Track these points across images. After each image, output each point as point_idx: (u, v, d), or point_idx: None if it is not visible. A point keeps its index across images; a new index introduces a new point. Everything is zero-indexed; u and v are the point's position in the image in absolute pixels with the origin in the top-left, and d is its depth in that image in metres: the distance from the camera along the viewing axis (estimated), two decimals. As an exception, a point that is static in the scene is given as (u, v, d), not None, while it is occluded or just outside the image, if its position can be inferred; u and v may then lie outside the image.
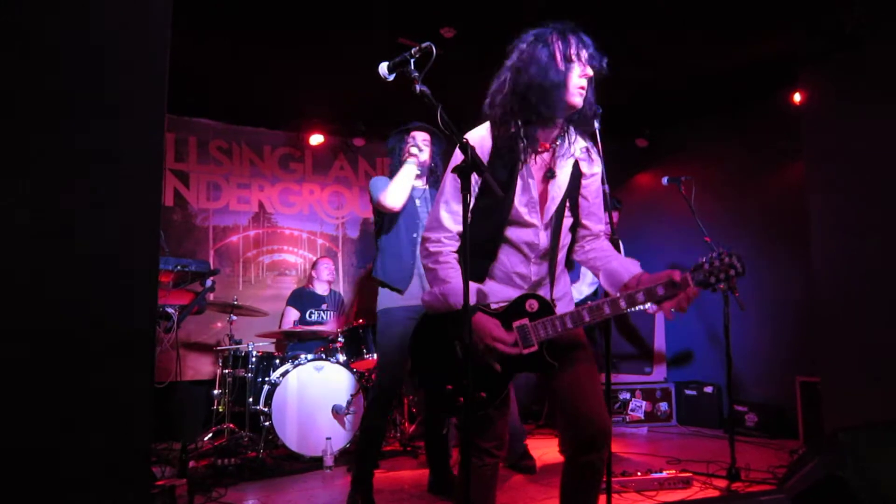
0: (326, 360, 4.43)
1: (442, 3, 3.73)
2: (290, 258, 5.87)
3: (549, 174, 1.92)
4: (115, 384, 1.36)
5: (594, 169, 2.02)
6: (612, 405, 4.43)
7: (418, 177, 3.37)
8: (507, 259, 1.93)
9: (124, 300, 1.39)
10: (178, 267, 3.50)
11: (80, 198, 1.37)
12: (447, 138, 1.78)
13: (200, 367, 5.28)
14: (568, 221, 1.97)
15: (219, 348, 4.84)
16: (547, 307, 1.86)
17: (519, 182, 1.88)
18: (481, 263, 1.92)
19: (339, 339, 4.64)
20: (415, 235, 3.27)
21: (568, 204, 1.95)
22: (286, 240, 5.87)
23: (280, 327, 5.09)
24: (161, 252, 3.48)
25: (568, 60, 1.85)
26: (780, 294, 4.97)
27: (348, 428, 4.34)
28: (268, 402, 4.26)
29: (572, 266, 2.14)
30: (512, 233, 1.91)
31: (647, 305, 4.50)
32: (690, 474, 3.47)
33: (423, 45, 1.74)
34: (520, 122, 1.85)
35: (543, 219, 1.92)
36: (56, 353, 1.31)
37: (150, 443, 1.47)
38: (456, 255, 1.93)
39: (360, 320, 4.85)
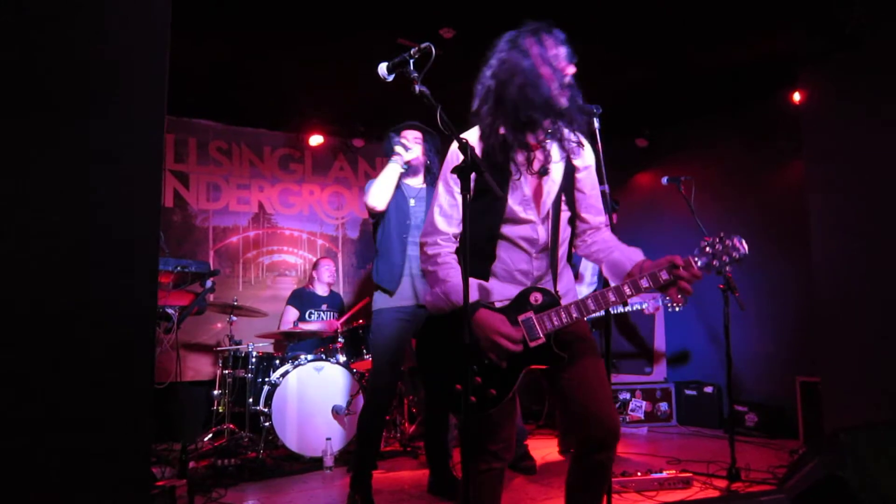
0: (326, 360, 4.43)
1: (441, 4, 3.73)
2: (289, 259, 5.87)
3: (542, 171, 1.93)
4: (115, 385, 1.36)
5: (587, 162, 2.03)
6: (612, 405, 4.43)
7: (412, 175, 3.36)
8: (507, 257, 1.94)
9: (124, 301, 1.39)
10: (178, 268, 3.50)
11: (80, 198, 1.37)
12: (443, 136, 1.78)
13: (200, 368, 5.28)
14: (566, 215, 1.98)
15: (219, 349, 4.84)
16: (552, 299, 1.87)
17: (511, 182, 1.90)
18: (482, 264, 1.93)
19: (339, 339, 4.64)
20: (405, 237, 3.26)
21: (564, 198, 1.96)
22: (286, 240, 5.87)
23: (280, 327, 5.09)
24: (161, 253, 3.48)
25: (548, 63, 1.87)
26: (780, 294, 4.98)
27: (348, 428, 4.34)
28: (268, 403, 4.26)
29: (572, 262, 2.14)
30: (509, 230, 1.92)
31: (646, 305, 4.53)
32: (690, 474, 3.47)
33: (423, 45, 1.74)
34: (508, 128, 1.88)
35: (540, 213, 1.93)
36: (56, 354, 1.31)
37: (150, 443, 1.47)
38: (455, 256, 1.94)
39: (360, 321, 4.85)
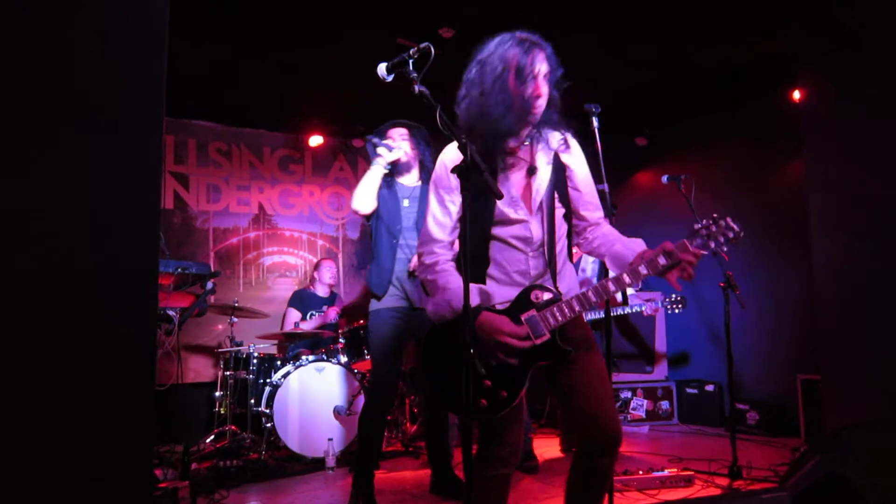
0: (327, 361, 4.43)
1: (440, 4, 3.73)
2: (290, 260, 5.87)
3: (531, 170, 1.94)
4: (117, 387, 1.37)
5: (576, 160, 2.02)
6: (613, 404, 4.43)
7: (405, 173, 3.34)
8: (503, 259, 1.94)
9: (125, 303, 1.39)
10: (179, 269, 3.50)
11: (79, 200, 1.37)
12: (440, 137, 1.78)
13: (202, 370, 5.28)
14: (560, 211, 1.98)
15: (220, 350, 4.84)
16: (553, 295, 1.87)
17: (498, 184, 1.90)
18: (477, 268, 1.94)
19: (340, 340, 4.64)
20: (395, 241, 3.25)
21: (557, 196, 1.96)
22: (286, 241, 5.87)
23: (281, 329, 5.10)
24: (161, 255, 3.48)
25: (525, 79, 1.85)
26: (781, 292, 4.98)
27: (350, 429, 4.34)
28: (269, 404, 4.26)
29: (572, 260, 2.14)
30: (501, 231, 1.92)
31: (645, 307, 4.53)
32: (692, 473, 3.47)
33: (422, 45, 1.73)
34: (488, 133, 1.89)
35: (531, 211, 1.93)
36: (57, 356, 1.32)
37: (152, 445, 1.47)
38: (453, 263, 1.95)
39: (361, 321, 4.85)
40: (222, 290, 5.31)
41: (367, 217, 3.34)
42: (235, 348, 4.62)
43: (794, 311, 4.86)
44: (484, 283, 1.95)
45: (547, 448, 4.47)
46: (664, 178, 3.98)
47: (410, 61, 1.75)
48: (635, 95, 5.25)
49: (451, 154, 1.95)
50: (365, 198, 3.24)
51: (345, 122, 5.68)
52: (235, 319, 4.74)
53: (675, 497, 3.22)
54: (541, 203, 1.93)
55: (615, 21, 3.98)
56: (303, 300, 5.20)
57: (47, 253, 1.33)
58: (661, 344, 5.39)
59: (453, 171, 1.72)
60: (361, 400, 4.35)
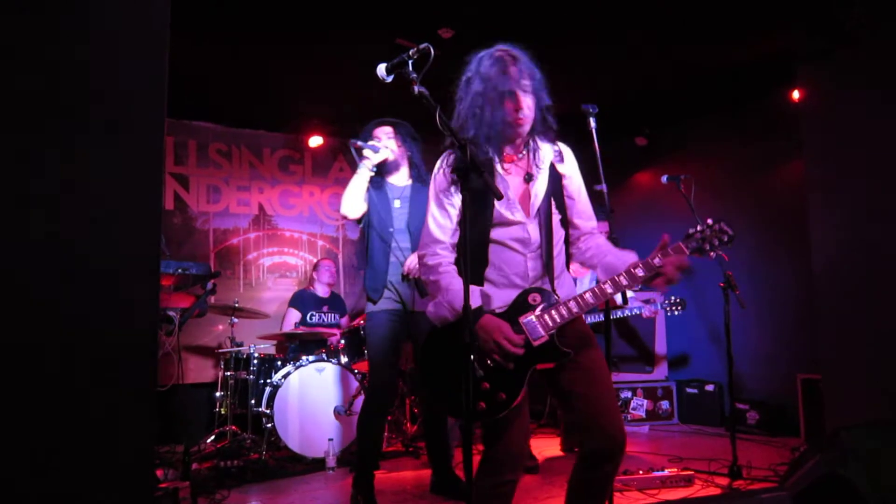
0: (328, 361, 4.43)
1: (440, 4, 3.73)
2: (290, 260, 5.87)
3: (528, 177, 1.97)
4: (118, 387, 1.37)
5: (570, 169, 2.06)
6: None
7: (394, 171, 3.31)
8: (501, 261, 1.95)
9: (126, 303, 1.39)
10: (179, 270, 3.52)
11: (80, 201, 1.37)
12: (436, 138, 1.79)
13: (202, 370, 5.29)
14: (557, 217, 2.00)
15: (220, 351, 4.84)
16: (550, 297, 1.88)
17: (492, 182, 1.91)
18: (477, 270, 1.94)
19: (341, 340, 4.65)
20: (388, 244, 3.22)
21: (554, 202, 1.99)
22: (286, 242, 5.88)
23: (282, 329, 5.10)
24: (161, 255, 3.49)
25: (506, 94, 1.88)
26: (781, 291, 4.98)
27: (350, 429, 4.34)
28: (270, 404, 4.27)
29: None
30: (500, 233, 1.94)
31: (644, 309, 4.53)
32: (692, 472, 3.47)
33: (422, 46, 1.74)
34: (483, 146, 1.93)
35: (529, 214, 1.95)
36: (58, 356, 1.32)
37: (153, 445, 1.47)
38: (454, 266, 1.96)
39: (361, 321, 4.85)
40: (222, 291, 5.31)
41: (358, 220, 3.31)
42: (236, 349, 4.63)
43: (794, 311, 4.86)
44: (481, 283, 1.96)
45: (547, 448, 4.48)
46: (664, 178, 3.98)
47: (410, 62, 1.75)
48: (635, 95, 5.25)
49: (448, 160, 1.99)
50: (353, 202, 3.21)
51: (344, 122, 5.68)
52: (236, 320, 4.74)
53: (675, 497, 3.22)
54: (538, 208, 1.95)
55: (615, 21, 3.98)
56: (303, 300, 5.20)
57: (48, 253, 1.33)
58: (660, 345, 5.39)
59: (453, 171, 1.73)
60: (361, 400, 4.35)
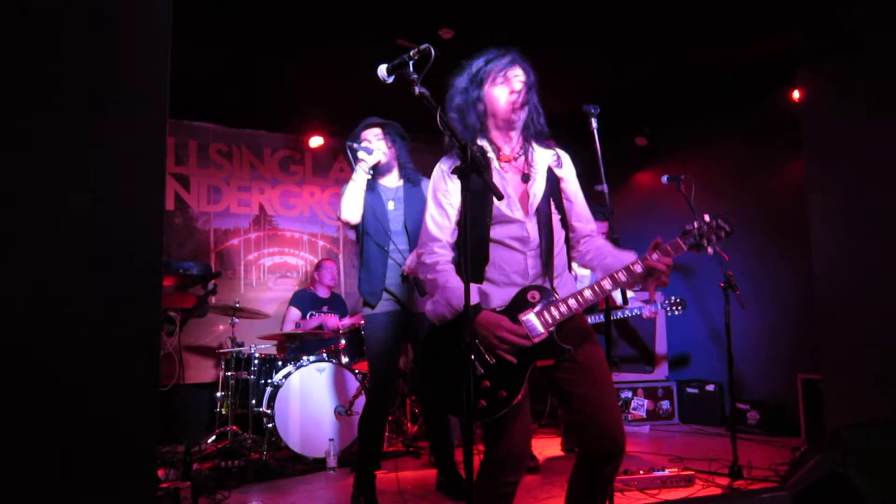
0: (328, 361, 4.44)
1: (440, 5, 3.74)
2: (291, 260, 5.88)
3: (525, 178, 2.00)
4: (120, 387, 1.37)
5: (567, 172, 2.10)
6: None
7: (386, 174, 3.29)
8: (502, 261, 1.96)
9: (128, 303, 1.40)
10: (180, 270, 3.51)
11: (82, 200, 1.38)
12: (439, 131, 1.81)
13: (203, 370, 5.29)
14: (556, 217, 2.02)
15: (221, 351, 4.85)
16: (548, 295, 1.88)
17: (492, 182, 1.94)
18: (477, 269, 1.95)
19: (341, 340, 4.65)
20: (386, 248, 3.20)
21: (553, 203, 2.01)
22: (287, 242, 5.88)
23: (282, 328, 5.10)
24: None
25: (498, 83, 1.98)
26: (781, 292, 4.98)
27: (351, 429, 4.34)
28: (270, 404, 4.27)
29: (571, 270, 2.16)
30: (499, 232, 1.95)
31: (644, 310, 4.54)
32: (693, 472, 3.48)
33: (422, 46, 1.74)
34: (483, 138, 2.00)
35: (528, 213, 1.96)
36: (60, 357, 1.32)
37: (154, 445, 1.47)
38: (452, 265, 1.97)
39: (362, 321, 4.86)
40: (223, 291, 5.32)
41: (354, 226, 3.28)
42: (236, 349, 4.63)
43: (794, 311, 4.86)
44: (481, 281, 1.97)
45: (547, 448, 4.48)
46: (664, 179, 3.98)
47: (411, 63, 1.75)
48: (635, 95, 5.25)
49: (448, 162, 2.02)
50: (353, 207, 3.18)
51: (345, 122, 5.67)
52: (236, 320, 4.75)
53: (675, 497, 3.22)
54: (537, 207, 1.97)
55: (615, 21, 3.98)
56: (304, 300, 5.21)
57: (50, 254, 1.33)
58: (661, 345, 5.39)
59: (454, 171, 1.74)
60: (362, 400, 4.35)
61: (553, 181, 2.03)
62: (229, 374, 4.56)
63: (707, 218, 1.85)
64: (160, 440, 4.33)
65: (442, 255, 1.97)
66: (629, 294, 4.81)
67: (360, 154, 3.20)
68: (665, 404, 5.27)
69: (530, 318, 1.85)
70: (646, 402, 5.26)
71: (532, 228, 1.95)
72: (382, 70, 1.79)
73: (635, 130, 5.91)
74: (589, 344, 1.95)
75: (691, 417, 5.26)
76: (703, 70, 4.79)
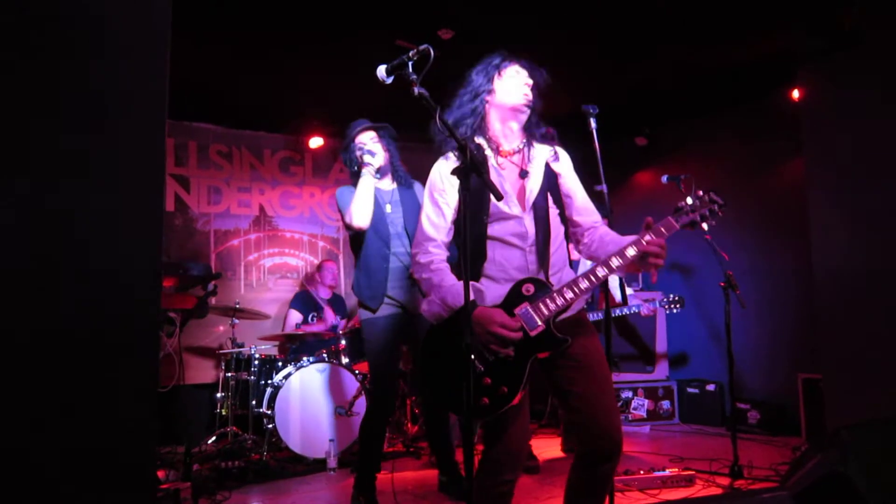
0: (328, 362, 4.44)
1: (440, 5, 3.74)
2: (291, 261, 5.88)
3: (523, 174, 2.01)
4: (119, 388, 1.37)
5: (565, 168, 2.11)
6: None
7: (382, 177, 3.27)
8: (502, 258, 1.96)
9: (127, 304, 1.39)
10: (180, 271, 3.51)
11: (82, 201, 1.38)
12: (438, 133, 1.82)
13: (203, 371, 5.29)
14: (554, 211, 2.02)
15: (221, 352, 4.85)
16: (543, 287, 1.88)
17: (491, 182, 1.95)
18: (474, 265, 1.96)
19: (342, 341, 4.65)
20: (387, 250, 3.18)
21: (551, 198, 2.02)
22: (287, 243, 5.88)
23: (283, 330, 5.10)
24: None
25: (512, 75, 2.03)
26: (781, 291, 4.98)
27: (351, 429, 4.34)
28: (271, 405, 4.27)
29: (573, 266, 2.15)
30: (497, 229, 1.96)
31: (642, 307, 4.54)
32: (693, 472, 3.47)
33: (421, 47, 1.74)
34: (481, 135, 2.03)
35: (525, 208, 1.97)
36: (60, 357, 1.32)
37: (154, 446, 1.47)
38: (447, 264, 1.99)
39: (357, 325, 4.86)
40: (223, 292, 5.32)
41: (363, 230, 3.20)
42: (237, 350, 4.63)
43: (795, 311, 4.86)
44: (478, 278, 1.98)
45: (548, 448, 4.48)
46: (664, 178, 3.98)
47: (410, 63, 1.75)
48: (635, 95, 5.25)
49: (445, 163, 2.04)
50: (365, 211, 3.11)
51: (345, 123, 5.66)
52: (236, 321, 4.75)
53: (676, 497, 3.22)
54: (534, 202, 1.98)
55: (615, 21, 3.98)
56: (305, 302, 5.21)
57: (50, 254, 1.33)
58: (661, 344, 5.39)
59: (453, 172, 1.74)
60: (362, 401, 4.35)
61: (550, 176, 2.04)
62: (229, 374, 4.56)
63: (700, 192, 1.85)
64: (160, 441, 4.33)
65: (437, 254, 1.98)
66: (629, 291, 4.81)
67: (366, 158, 3.16)
68: (665, 404, 5.27)
69: (527, 310, 1.85)
70: (646, 401, 5.26)
71: (529, 224, 1.96)
72: (382, 71, 1.79)
73: (635, 130, 5.91)
74: (588, 339, 1.95)
75: (692, 417, 5.26)
76: (703, 70, 4.79)
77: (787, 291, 4.93)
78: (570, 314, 1.96)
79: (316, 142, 5.86)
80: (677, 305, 4.48)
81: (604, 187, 2.39)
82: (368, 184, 3.15)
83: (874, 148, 3.40)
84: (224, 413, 4.55)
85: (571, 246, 2.14)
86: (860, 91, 3.46)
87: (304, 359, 4.45)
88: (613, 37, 4.23)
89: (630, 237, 1.93)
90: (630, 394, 5.27)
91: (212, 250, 5.53)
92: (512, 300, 1.88)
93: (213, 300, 4.81)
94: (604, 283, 2.01)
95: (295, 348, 4.93)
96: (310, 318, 5.13)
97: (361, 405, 4.36)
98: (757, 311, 4.92)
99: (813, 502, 1.74)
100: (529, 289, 1.87)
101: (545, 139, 2.08)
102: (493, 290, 1.94)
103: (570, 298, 1.84)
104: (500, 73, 2.02)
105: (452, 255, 2.05)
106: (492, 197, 1.90)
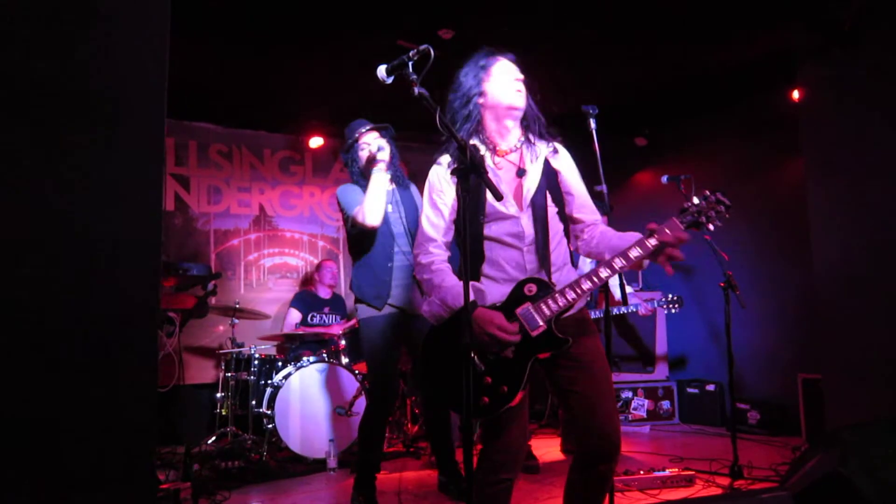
0: (328, 362, 4.44)
1: (440, 5, 3.73)
2: (291, 261, 5.88)
3: (520, 172, 2.00)
4: (119, 388, 1.37)
5: (565, 165, 2.09)
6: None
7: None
8: (500, 258, 1.96)
9: (126, 304, 1.39)
10: (180, 271, 3.51)
11: (82, 201, 1.38)
12: (438, 132, 1.82)
13: (203, 371, 5.29)
14: (553, 210, 2.01)
15: (221, 352, 4.84)
16: (545, 287, 1.87)
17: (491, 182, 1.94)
18: (473, 265, 1.96)
19: (341, 340, 4.65)
20: (391, 250, 3.16)
21: (549, 196, 2.00)
22: (287, 242, 5.88)
23: (283, 330, 5.10)
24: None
25: (500, 73, 2.01)
26: (781, 291, 4.98)
27: (351, 429, 4.34)
28: (270, 405, 4.27)
29: (575, 265, 2.15)
30: (494, 229, 1.96)
31: (640, 307, 4.53)
32: (693, 472, 3.47)
33: (422, 47, 1.74)
34: (477, 136, 2.02)
35: (522, 208, 1.96)
36: (60, 357, 1.32)
37: (154, 447, 1.47)
38: (448, 264, 1.99)
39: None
40: (223, 292, 5.32)
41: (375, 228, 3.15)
42: (236, 349, 4.63)
43: (795, 311, 4.86)
44: (478, 278, 1.98)
45: (547, 448, 4.48)
46: (664, 179, 3.98)
47: (410, 63, 1.75)
48: (635, 95, 5.25)
49: (442, 162, 2.03)
50: (378, 208, 3.04)
51: (345, 123, 5.66)
52: (236, 321, 4.74)
53: (676, 497, 3.22)
54: (531, 201, 1.97)
55: (615, 20, 3.98)
56: (305, 301, 5.20)
57: (49, 254, 1.33)
58: (661, 344, 5.39)
59: (453, 172, 1.74)
60: (362, 401, 4.35)
61: (549, 174, 2.03)
62: (229, 374, 4.56)
63: (706, 192, 1.84)
64: (160, 441, 4.33)
65: (437, 254, 1.98)
66: (628, 290, 4.81)
67: (380, 154, 3.11)
68: (665, 404, 5.27)
69: (528, 310, 1.85)
70: (646, 402, 5.25)
71: (527, 223, 1.95)
72: (382, 71, 1.79)
73: (635, 130, 5.91)
74: (590, 339, 1.95)
75: (692, 417, 5.26)
76: (703, 70, 4.78)
77: (787, 291, 4.93)
78: (573, 312, 1.96)
79: (316, 141, 5.86)
80: (676, 305, 4.48)
81: (604, 187, 2.39)
82: (382, 180, 3.09)
83: (874, 147, 3.40)
84: (224, 413, 4.55)
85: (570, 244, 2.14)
86: (860, 90, 3.46)
87: (304, 359, 4.45)
88: (613, 37, 4.22)
89: (633, 234, 1.93)
90: (630, 394, 5.27)
91: (212, 250, 5.52)
92: (514, 300, 1.88)
93: (212, 300, 4.81)
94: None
95: (295, 348, 4.93)
96: (309, 318, 5.13)
97: (361, 405, 4.35)
98: (757, 311, 4.92)
99: (813, 502, 1.74)
100: (532, 289, 1.87)
101: (543, 136, 2.05)
102: (493, 290, 1.94)
103: (573, 299, 1.84)
104: (488, 73, 2.00)
105: (454, 255, 2.05)
106: (489, 197, 1.90)
